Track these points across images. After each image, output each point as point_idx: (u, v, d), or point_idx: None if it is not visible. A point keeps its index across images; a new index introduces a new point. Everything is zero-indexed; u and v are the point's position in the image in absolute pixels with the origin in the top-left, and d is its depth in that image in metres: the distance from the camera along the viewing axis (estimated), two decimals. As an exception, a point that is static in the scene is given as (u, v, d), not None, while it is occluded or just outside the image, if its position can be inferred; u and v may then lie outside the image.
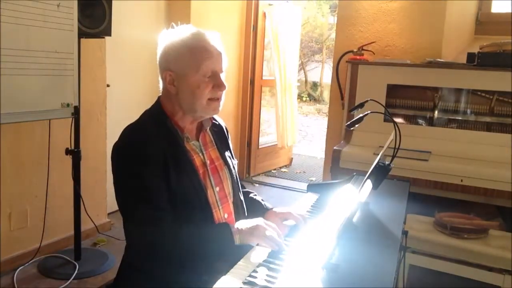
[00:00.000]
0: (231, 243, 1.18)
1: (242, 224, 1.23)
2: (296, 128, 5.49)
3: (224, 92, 1.32)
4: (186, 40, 1.28)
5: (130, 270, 1.32)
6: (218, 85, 1.29)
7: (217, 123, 1.48)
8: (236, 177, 1.46)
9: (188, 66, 1.27)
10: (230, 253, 1.16)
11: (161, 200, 1.21)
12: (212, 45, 1.30)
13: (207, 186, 1.32)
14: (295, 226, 1.37)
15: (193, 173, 1.29)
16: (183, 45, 1.28)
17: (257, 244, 1.20)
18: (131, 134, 1.28)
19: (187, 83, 1.28)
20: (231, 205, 1.40)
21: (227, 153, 1.46)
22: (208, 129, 1.42)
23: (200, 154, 1.35)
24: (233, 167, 1.46)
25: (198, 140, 1.37)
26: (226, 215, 1.36)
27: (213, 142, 1.43)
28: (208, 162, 1.36)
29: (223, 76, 1.32)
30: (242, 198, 1.47)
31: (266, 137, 5.46)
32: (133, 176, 1.22)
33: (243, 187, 1.53)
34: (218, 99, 1.31)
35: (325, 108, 11.51)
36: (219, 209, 1.34)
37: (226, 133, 1.51)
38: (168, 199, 1.22)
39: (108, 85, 3.01)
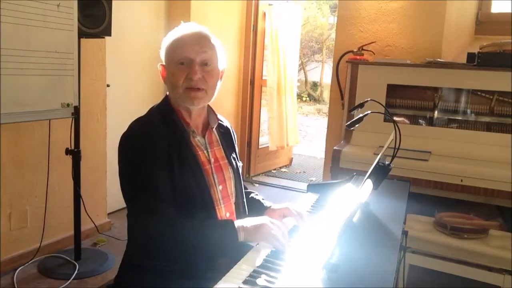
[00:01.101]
0: (234, 239, 1.18)
1: (247, 221, 1.22)
2: (297, 128, 5.46)
3: (210, 82, 1.31)
4: (172, 33, 1.34)
5: (131, 268, 1.32)
6: (191, 73, 1.27)
7: (224, 124, 1.49)
8: (240, 178, 1.46)
9: (167, 56, 1.33)
10: (233, 249, 1.16)
11: (165, 192, 1.22)
12: (188, 33, 1.31)
13: (210, 183, 1.33)
14: (295, 226, 1.37)
15: (197, 168, 1.30)
16: (169, 37, 1.34)
17: (257, 244, 1.20)
18: (138, 127, 1.30)
19: (167, 73, 1.33)
20: (233, 205, 1.41)
21: (233, 155, 1.47)
22: (214, 129, 1.43)
23: (205, 151, 1.36)
24: (238, 168, 1.46)
25: (204, 137, 1.38)
26: (227, 214, 1.37)
27: (219, 142, 1.44)
28: (212, 160, 1.37)
29: (209, 69, 1.30)
30: (244, 200, 1.48)
31: (266, 137, 5.45)
32: (138, 167, 1.23)
33: (245, 188, 1.54)
34: (196, 89, 1.29)
35: (325, 108, 11.51)
36: (221, 207, 1.35)
37: (232, 135, 1.52)
38: (172, 193, 1.23)
39: (108, 85, 3.01)
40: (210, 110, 1.44)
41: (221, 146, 1.44)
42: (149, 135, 1.26)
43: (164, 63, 1.36)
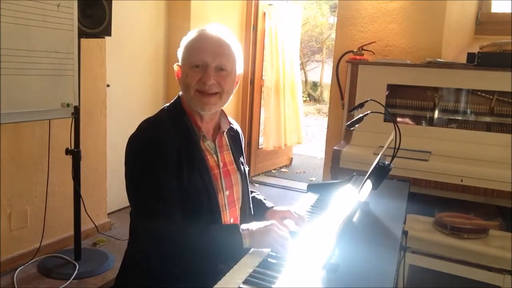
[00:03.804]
0: (239, 245, 1.17)
1: (254, 226, 1.20)
2: (301, 128, 5.43)
3: (226, 86, 1.29)
4: (192, 32, 1.33)
5: (133, 268, 1.32)
6: (205, 77, 1.26)
7: (234, 128, 1.48)
8: (247, 183, 1.45)
9: (184, 56, 1.32)
10: (237, 255, 1.15)
11: (172, 197, 1.21)
12: (209, 36, 1.30)
13: (218, 188, 1.31)
14: (296, 227, 1.37)
15: (206, 173, 1.28)
16: (189, 37, 1.32)
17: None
18: (147, 128, 1.28)
19: (182, 75, 1.31)
20: (238, 211, 1.40)
21: (241, 159, 1.46)
22: (225, 133, 1.41)
23: (214, 156, 1.35)
24: (245, 173, 1.45)
25: (214, 142, 1.37)
26: (231, 220, 1.36)
27: (229, 146, 1.43)
28: (221, 164, 1.36)
29: (224, 74, 1.29)
30: (251, 205, 1.47)
31: (266, 137, 5.44)
32: (146, 171, 1.22)
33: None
34: (207, 93, 1.27)
35: (325, 108, 11.51)
36: (226, 213, 1.34)
37: (241, 139, 1.51)
38: (179, 197, 1.23)
39: (108, 85, 3.01)
40: (222, 113, 1.42)
41: (230, 150, 1.42)
42: (160, 138, 1.24)
43: (180, 63, 1.34)
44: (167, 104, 1.38)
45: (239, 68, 1.38)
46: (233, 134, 1.46)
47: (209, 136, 1.36)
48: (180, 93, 1.37)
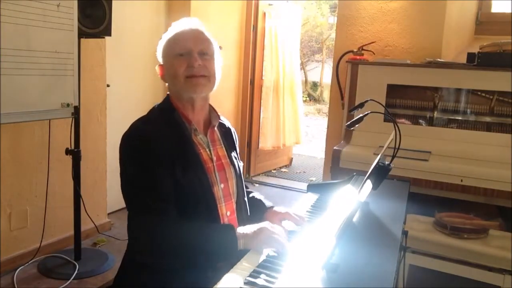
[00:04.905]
0: (234, 247, 1.17)
1: (247, 229, 1.22)
2: (300, 128, 5.43)
3: (212, 69, 1.34)
4: (168, 32, 1.37)
5: (131, 267, 1.32)
6: (191, 61, 1.30)
7: (226, 124, 1.50)
8: (241, 178, 1.47)
9: (166, 52, 1.36)
10: (231, 256, 1.16)
11: (167, 193, 1.22)
12: (186, 29, 1.35)
13: (213, 181, 1.33)
14: (295, 227, 1.37)
15: (200, 166, 1.30)
16: (165, 36, 1.37)
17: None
18: (140, 127, 1.30)
19: (167, 68, 1.35)
20: (234, 205, 1.41)
21: (234, 154, 1.47)
22: (216, 128, 1.43)
23: (207, 150, 1.37)
24: (239, 168, 1.46)
25: (206, 136, 1.39)
26: (228, 213, 1.37)
27: (221, 141, 1.45)
28: (214, 158, 1.37)
29: (208, 58, 1.34)
30: (246, 199, 1.47)
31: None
32: (140, 168, 1.23)
33: (246, 187, 1.53)
34: (196, 76, 1.31)
35: (325, 108, 11.51)
36: (222, 206, 1.35)
37: (233, 135, 1.53)
38: (174, 193, 1.23)
39: (108, 85, 3.01)
40: (211, 109, 1.45)
41: (222, 145, 1.44)
42: (151, 134, 1.26)
43: (161, 63, 1.38)
44: (158, 103, 1.40)
45: (218, 61, 1.41)
46: (224, 131, 1.49)
47: (200, 129, 1.38)
48: (168, 92, 1.40)
